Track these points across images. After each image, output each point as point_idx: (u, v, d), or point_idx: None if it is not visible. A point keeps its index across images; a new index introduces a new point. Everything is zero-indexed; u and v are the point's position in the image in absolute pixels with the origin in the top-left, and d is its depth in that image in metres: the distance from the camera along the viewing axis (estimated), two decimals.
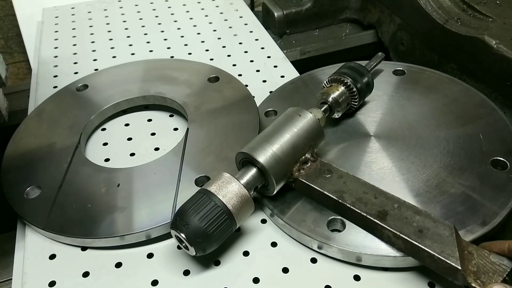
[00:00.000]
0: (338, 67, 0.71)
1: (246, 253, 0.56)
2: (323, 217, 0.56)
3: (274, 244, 0.57)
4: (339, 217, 0.55)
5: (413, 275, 0.52)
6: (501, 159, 0.59)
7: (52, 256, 0.57)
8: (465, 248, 0.49)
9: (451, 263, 0.46)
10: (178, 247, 0.57)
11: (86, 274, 0.55)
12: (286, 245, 0.57)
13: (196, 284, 0.53)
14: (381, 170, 0.60)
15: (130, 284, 0.53)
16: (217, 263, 0.54)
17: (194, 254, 0.51)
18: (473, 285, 0.45)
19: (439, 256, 0.47)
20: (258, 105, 0.73)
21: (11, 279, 0.57)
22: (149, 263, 0.56)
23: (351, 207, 0.53)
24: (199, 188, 0.59)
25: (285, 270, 0.54)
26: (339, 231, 0.55)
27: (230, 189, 0.51)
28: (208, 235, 0.49)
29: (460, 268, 0.45)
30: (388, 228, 0.51)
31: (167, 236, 0.58)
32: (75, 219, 0.58)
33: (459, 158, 0.60)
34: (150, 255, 0.56)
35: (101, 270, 0.55)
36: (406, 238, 0.49)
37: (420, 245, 0.48)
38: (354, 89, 0.67)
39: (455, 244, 0.47)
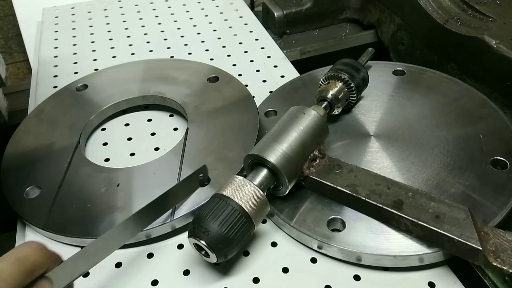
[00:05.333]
0: None
1: (246, 253, 0.56)
2: (323, 216, 0.56)
3: (274, 244, 0.57)
4: (339, 217, 0.55)
5: (413, 275, 0.52)
6: (501, 158, 0.59)
7: None
8: (481, 229, 0.50)
9: (472, 245, 0.47)
10: (179, 247, 0.57)
11: (86, 274, 0.54)
12: (286, 245, 0.57)
13: (196, 284, 0.53)
14: (381, 170, 0.60)
15: (130, 284, 0.53)
16: (217, 263, 0.54)
17: (215, 261, 0.50)
18: (494, 263, 0.46)
19: (459, 239, 0.48)
20: (258, 105, 0.73)
21: None
22: (149, 263, 0.56)
23: (366, 199, 0.54)
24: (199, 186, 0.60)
25: (285, 270, 0.54)
26: (339, 230, 0.55)
27: (245, 192, 0.51)
28: (229, 240, 0.49)
29: (481, 248, 0.47)
30: (406, 216, 0.51)
31: (167, 236, 0.58)
32: (75, 219, 0.58)
33: (459, 157, 0.60)
34: (150, 255, 0.56)
35: (101, 270, 0.55)
36: (425, 224, 0.50)
37: (439, 230, 0.49)
38: (352, 84, 0.67)
39: (472, 226, 0.49)
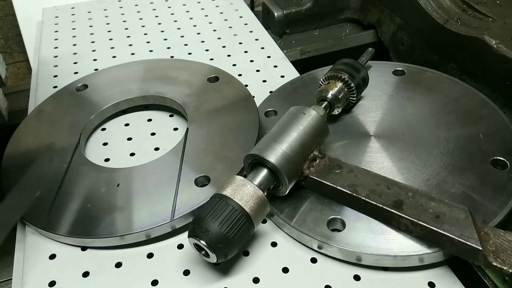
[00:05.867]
0: None
1: (246, 253, 0.56)
2: (323, 216, 0.56)
3: (274, 244, 0.57)
4: (339, 217, 0.55)
5: (413, 275, 0.52)
6: (501, 158, 0.59)
7: (52, 256, 0.57)
8: (481, 229, 0.50)
9: (472, 245, 0.47)
10: (179, 247, 0.57)
11: (86, 274, 0.55)
12: (286, 245, 0.57)
13: (196, 284, 0.53)
14: (381, 170, 0.60)
15: (130, 284, 0.53)
16: (217, 263, 0.54)
17: (215, 260, 0.50)
18: (494, 263, 0.46)
19: (459, 239, 0.48)
20: (258, 105, 0.73)
21: (11, 279, 0.57)
22: (149, 263, 0.56)
23: (366, 199, 0.54)
24: (198, 187, 0.60)
25: (285, 270, 0.54)
26: (339, 230, 0.55)
27: (245, 192, 0.51)
28: (229, 240, 0.49)
29: (481, 248, 0.47)
30: (406, 216, 0.51)
31: (167, 236, 0.58)
32: (75, 219, 0.58)
33: (459, 157, 0.60)
34: (150, 255, 0.56)
35: (101, 270, 0.55)
36: (425, 224, 0.50)
37: (439, 230, 0.49)
38: (352, 84, 0.67)
39: (472, 226, 0.49)
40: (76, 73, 0.88)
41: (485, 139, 0.62)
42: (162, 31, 1.00)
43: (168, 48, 0.94)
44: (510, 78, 0.70)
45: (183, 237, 0.58)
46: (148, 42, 0.96)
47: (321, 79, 0.69)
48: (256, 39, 0.95)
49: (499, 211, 0.53)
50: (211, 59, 0.89)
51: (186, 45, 0.95)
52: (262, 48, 0.92)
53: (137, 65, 0.85)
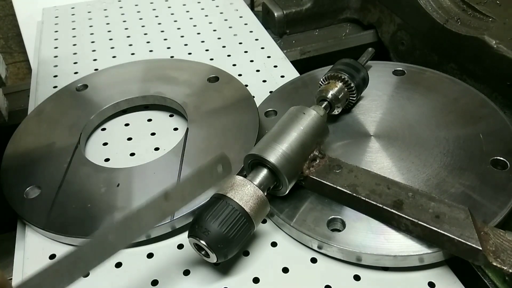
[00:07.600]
0: None
1: (246, 253, 0.56)
2: (323, 216, 0.56)
3: (274, 244, 0.57)
4: (339, 217, 0.55)
5: (413, 275, 0.52)
6: (501, 158, 0.59)
7: (52, 256, 0.57)
8: (481, 229, 0.50)
9: (472, 245, 0.47)
10: (179, 247, 0.57)
11: (86, 274, 0.54)
12: (286, 245, 0.57)
13: (196, 284, 0.53)
14: (381, 170, 0.60)
15: (130, 284, 0.53)
16: (217, 263, 0.54)
17: (215, 261, 0.50)
18: (494, 264, 0.46)
19: (459, 239, 0.48)
20: (258, 105, 0.73)
21: (11, 279, 0.57)
22: (149, 263, 0.56)
23: (366, 199, 0.54)
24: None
25: (285, 270, 0.54)
26: (339, 230, 0.55)
27: (245, 192, 0.51)
28: (229, 240, 0.49)
29: (481, 248, 0.47)
30: (406, 216, 0.51)
31: (167, 236, 0.58)
32: (75, 219, 0.58)
33: (459, 157, 0.60)
34: (150, 255, 0.56)
35: (101, 270, 0.55)
36: (425, 224, 0.50)
37: (439, 230, 0.49)
38: (352, 84, 0.67)
39: (472, 226, 0.49)
40: (76, 73, 0.88)
41: (485, 139, 0.62)
42: (162, 31, 1.00)
43: (168, 48, 0.94)
44: (510, 78, 0.70)
45: (183, 237, 0.58)
46: (148, 42, 0.96)
47: (321, 79, 0.69)
48: (256, 39, 0.95)
49: (499, 211, 0.53)
50: (211, 59, 0.89)
51: (186, 45, 0.95)
52: (262, 48, 0.92)
53: (137, 65, 0.85)
